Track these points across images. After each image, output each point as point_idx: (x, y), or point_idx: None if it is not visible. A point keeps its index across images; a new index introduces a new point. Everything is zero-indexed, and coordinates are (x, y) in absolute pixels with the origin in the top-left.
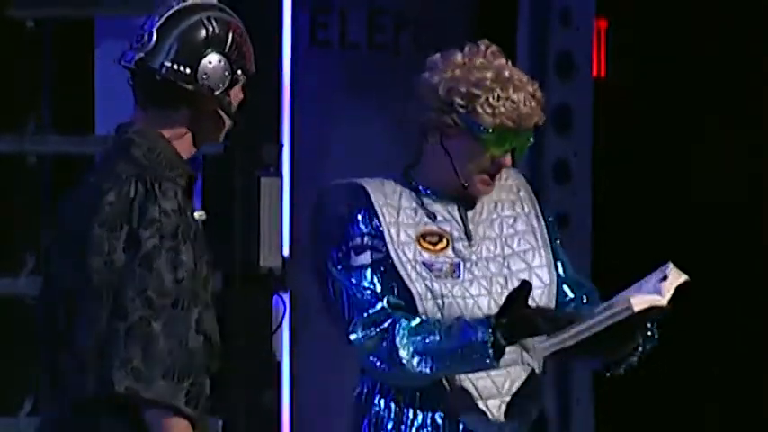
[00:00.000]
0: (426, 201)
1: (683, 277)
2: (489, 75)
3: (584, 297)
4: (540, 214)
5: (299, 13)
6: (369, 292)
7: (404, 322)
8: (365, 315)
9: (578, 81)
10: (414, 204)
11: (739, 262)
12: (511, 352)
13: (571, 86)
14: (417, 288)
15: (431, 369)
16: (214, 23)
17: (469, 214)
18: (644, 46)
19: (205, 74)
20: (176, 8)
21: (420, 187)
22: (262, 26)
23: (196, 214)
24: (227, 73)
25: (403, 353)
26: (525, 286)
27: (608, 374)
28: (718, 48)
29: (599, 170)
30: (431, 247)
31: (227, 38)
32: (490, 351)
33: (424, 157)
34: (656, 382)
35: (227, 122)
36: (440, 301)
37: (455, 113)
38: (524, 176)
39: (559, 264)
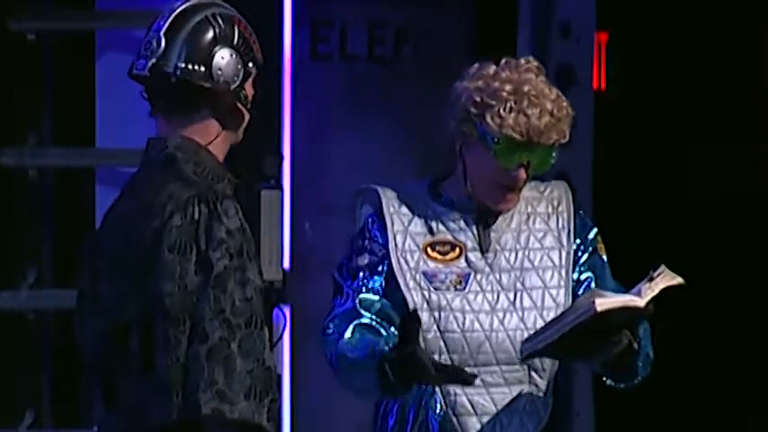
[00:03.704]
0: (444, 210)
1: (676, 280)
2: (508, 87)
3: None
4: (572, 233)
5: (300, 27)
6: (354, 290)
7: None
8: (341, 312)
9: (579, 94)
10: (430, 213)
11: (739, 267)
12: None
13: (571, 99)
14: (414, 297)
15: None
16: (219, 20)
17: (493, 223)
18: (645, 59)
19: (219, 69)
20: (179, 10)
21: (447, 199)
22: (262, 40)
23: None
24: (239, 66)
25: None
26: (414, 316)
27: (608, 383)
28: (719, 60)
29: (599, 183)
30: (439, 256)
31: (234, 32)
32: (378, 383)
33: (456, 170)
34: (657, 393)
35: (246, 117)
36: (436, 314)
37: (471, 122)
38: (571, 192)
39: (591, 275)
